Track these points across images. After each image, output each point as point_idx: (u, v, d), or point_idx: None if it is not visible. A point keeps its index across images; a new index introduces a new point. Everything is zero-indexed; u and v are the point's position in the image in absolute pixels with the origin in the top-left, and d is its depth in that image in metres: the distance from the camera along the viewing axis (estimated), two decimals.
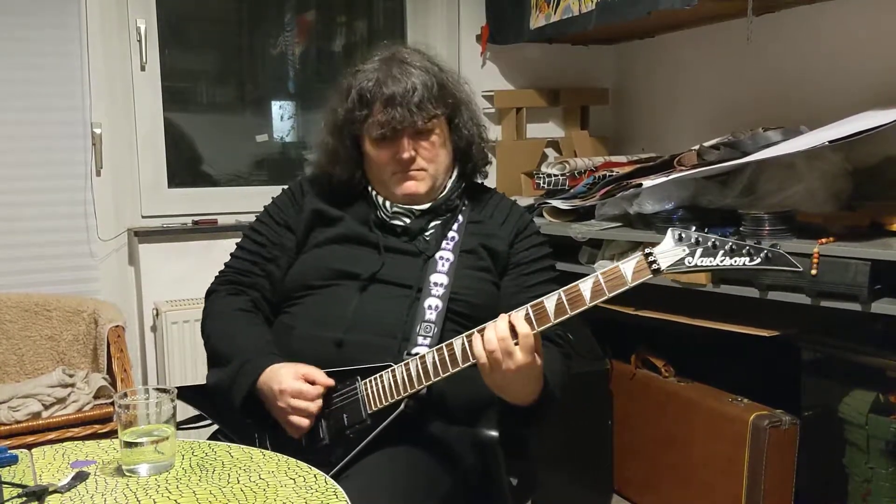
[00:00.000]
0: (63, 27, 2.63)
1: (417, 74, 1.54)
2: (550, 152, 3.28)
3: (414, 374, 1.38)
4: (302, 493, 1.12)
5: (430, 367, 1.37)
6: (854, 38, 2.35)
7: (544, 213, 2.61)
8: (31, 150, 2.64)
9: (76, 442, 1.35)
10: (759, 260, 1.23)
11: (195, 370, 2.69)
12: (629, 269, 1.27)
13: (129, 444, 1.18)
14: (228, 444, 1.34)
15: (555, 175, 2.79)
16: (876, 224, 1.90)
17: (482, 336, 1.31)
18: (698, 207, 2.20)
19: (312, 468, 1.21)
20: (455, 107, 1.61)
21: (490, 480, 1.49)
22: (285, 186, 1.72)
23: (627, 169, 2.51)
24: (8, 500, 1.10)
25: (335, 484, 1.15)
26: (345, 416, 1.42)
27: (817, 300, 1.83)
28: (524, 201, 2.76)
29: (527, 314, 1.31)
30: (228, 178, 3.08)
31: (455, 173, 1.65)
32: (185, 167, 2.97)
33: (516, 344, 1.29)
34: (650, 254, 1.27)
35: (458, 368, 1.35)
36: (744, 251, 1.24)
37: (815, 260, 1.78)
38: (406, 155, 1.54)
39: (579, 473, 2.61)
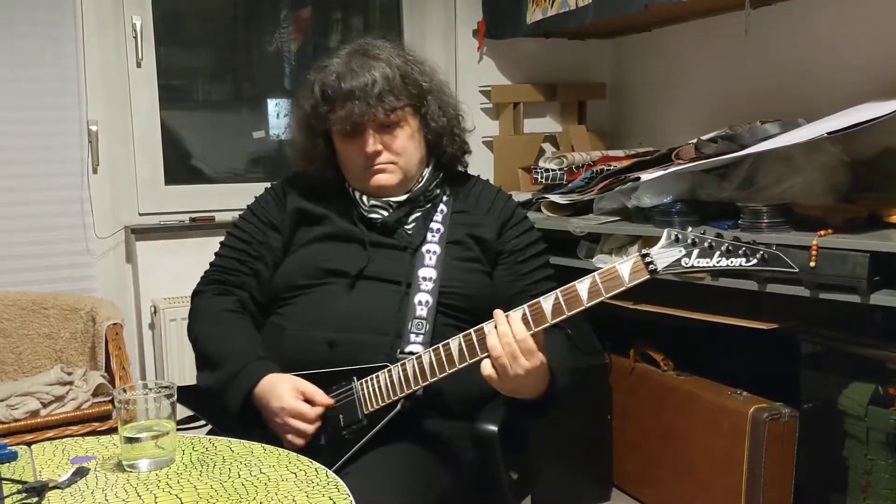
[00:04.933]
0: (58, 24, 2.62)
1: (378, 67, 1.51)
2: (548, 147, 3.28)
3: (411, 374, 1.37)
4: (303, 486, 1.12)
5: (426, 367, 1.36)
6: (852, 29, 2.35)
7: (542, 208, 2.61)
8: (27, 147, 2.63)
9: (76, 438, 1.35)
10: (755, 261, 1.23)
11: (193, 368, 2.67)
12: (626, 269, 1.27)
13: (129, 440, 1.18)
14: (229, 438, 1.33)
15: (552, 170, 2.79)
16: (874, 216, 1.90)
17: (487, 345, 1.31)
18: (696, 201, 2.20)
19: (314, 462, 1.21)
20: (420, 97, 1.57)
21: (489, 475, 1.48)
22: (268, 185, 1.70)
23: (625, 163, 2.51)
24: (8, 497, 1.10)
25: (336, 478, 1.15)
26: (341, 416, 1.41)
27: (816, 292, 1.83)
28: (522, 196, 2.75)
29: (524, 315, 1.31)
30: (225, 175, 3.08)
31: (431, 164, 1.62)
32: (181, 164, 2.96)
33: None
34: (647, 255, 1.27)
35: (456, 368, 1.35)
36: (740, 252, 1.24)
37: (814, 252, 1.78)
38: (370, 149, 1.53)
39: (578, 468, 2.62)
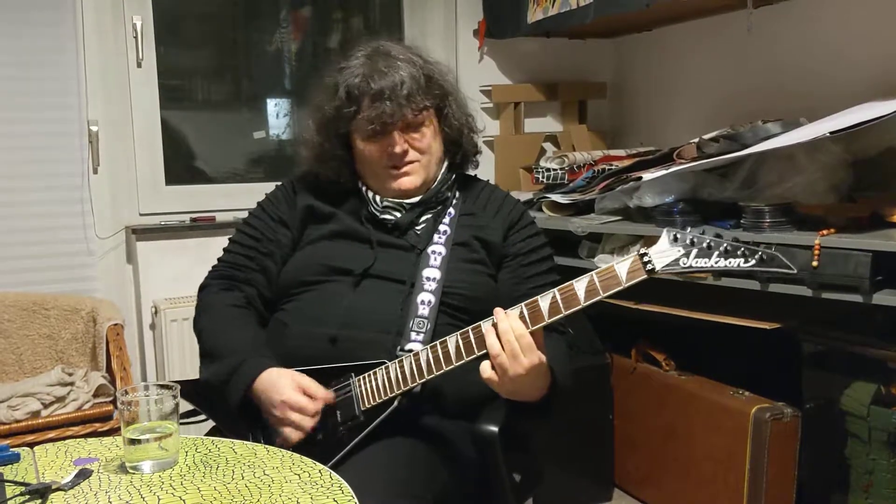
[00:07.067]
0: (58, 24, 2.62)
1: (404, 67, 1.53)
2: (549, 147, 3.28)
3: (408, 371, 1.38)
4: (307, 488, 1.11)
5: (423, 364, 1.37)
6: (854, 28, 2.35)
7: (543, 208, 2.61)
8: (27, 148, 2.62)
9: (79, 439, 1.34)
10: (753, 261, 1.23)
11: (194, 368, 2.66)
12: (624, 269, 1.27)
13: (132, 441, 1.18)
14: (232, 440, 1.33)
15: (554, 169, 2.79)
16: (876, 215, 1.90)
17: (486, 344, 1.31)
18: (698, 200, 2.20)
19: (317, 464, 1.20)
20: (443, 97, 1.59)
21: (490, 476, 1.48)
22: (279, 183, 1.71)
23: (627, 162, 2.51)
24: (11, 499, 1.09)
25: (340, 479, 1.15)
26: (338, 412, 1.42)
27: (818, 292, 1.83)
28: (523, 196, 2.75)
29: (521, 313, 1.32)
30: (225, 175, 3.07)
31: (445, 164, 1.64)
32: (182, 164, 2.96)
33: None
34: (645, 254, 1.27)
35: (452, 366, 1.36)
36: (739, 252, 1.24)
37: (816, 252, 1.78)
38: (398, 149, 1.53)
39: (580, 468, 2.61)
